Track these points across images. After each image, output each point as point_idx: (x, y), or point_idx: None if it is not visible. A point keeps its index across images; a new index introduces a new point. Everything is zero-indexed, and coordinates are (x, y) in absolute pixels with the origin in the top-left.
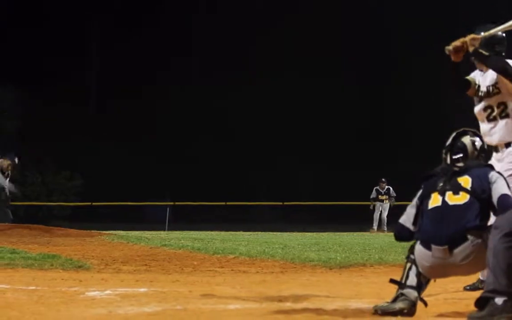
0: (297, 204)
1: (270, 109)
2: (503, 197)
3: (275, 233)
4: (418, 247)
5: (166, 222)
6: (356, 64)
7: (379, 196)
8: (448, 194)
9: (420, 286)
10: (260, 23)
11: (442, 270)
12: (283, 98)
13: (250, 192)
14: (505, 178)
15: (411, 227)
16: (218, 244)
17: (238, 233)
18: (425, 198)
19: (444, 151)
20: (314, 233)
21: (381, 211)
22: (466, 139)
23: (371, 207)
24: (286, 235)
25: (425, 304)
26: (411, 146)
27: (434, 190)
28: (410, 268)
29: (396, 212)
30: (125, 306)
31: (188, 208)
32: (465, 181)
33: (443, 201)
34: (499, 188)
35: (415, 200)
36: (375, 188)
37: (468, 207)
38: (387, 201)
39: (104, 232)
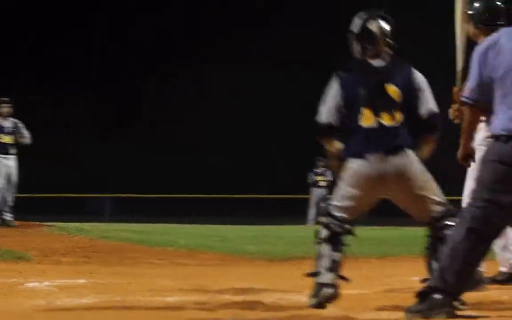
0: (238, 197)
1: (213, 101)
2: (434, 116)
3: (214, 225)
4: (351, 162)
5: (106, 214)
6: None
7: (315, 176)
8: (383, 115)
9: (335, 265)
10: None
11: (375, 186)
12: (224, 88)
13: (190, 184)
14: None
15: (333, 122)
16: (158, 236)
17: (178, 225)
18: (350, 105)
19: (351, 37)
20: (254, 226)
21: (315, 199)
22: (374, 25)
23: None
24: (225, 227)
25: (345, 279)
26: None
27: (364, 105)
28: (320, 255)
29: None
30: (64, 298)
31: (128, 200)
32: (394, 92)
33: (379, 123)
34: (427, 101)
35: (333, 98)
36: (311, 171)
37: (403, 125)
38: (323, 182)
39: (44, 223)
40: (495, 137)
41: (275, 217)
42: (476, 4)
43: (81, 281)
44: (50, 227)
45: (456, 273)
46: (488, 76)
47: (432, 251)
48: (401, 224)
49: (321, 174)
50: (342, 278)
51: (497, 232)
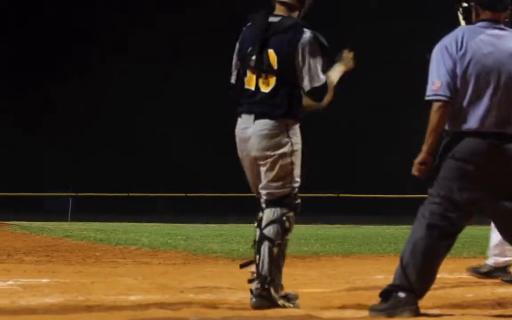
0: (200, 195)
1: (173, 98)
2: (317, 90)
3: (178, 224)
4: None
5: (68, 213)
6: None
7: None
8: (261, 80)
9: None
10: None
11: (243, 150)
12: (183, 85)
13: (153, 183)
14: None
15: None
16: (121, 235)
17: (140, 224)
18: (241, 67)
19: None
20: (217, 225)
21: None
22: None
23: None
24: (189, 226)
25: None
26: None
27: (249, 66)
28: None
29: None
30: (28, 297)
31: (90, 199)
32: (272, 58)
33: (257, 86)
34: (309, 75)
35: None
36: None
37: (275, 95)
38: None
39: (6, 222)
40: (450, 134)
41: (237, 215)
42: None
43: (45, 280)
44: (12, 226)
45: (418, 270)
46: (452, 71)
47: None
48: (363, 222)
49: None
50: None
51: (457, 228)
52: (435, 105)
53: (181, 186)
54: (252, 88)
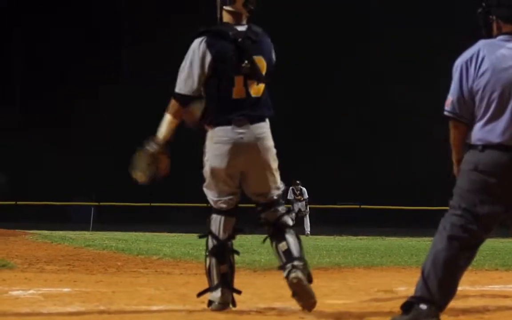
0: None
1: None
2: None
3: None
4: (218, 129)
5: (90, 222)
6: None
7: (295, 197)
8: (252, 86)
9: (226, 276)
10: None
11: (238, 156)
12: None
13: (175, 193)
14: None
15: (192, 92)
16: (142, 245)
17: (162, 234)
18: (222, 79)
19: None
20: (238, 235)
21: (302, 213)
22: None
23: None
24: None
25: (239, 292)
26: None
27: (235, 73)
28: (210, 267)
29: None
30: (49, 306)
31: (112, 208)
32: (262, 64)
33: (247, 93)
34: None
35: (199, 63)
36: (291, 187)
37: (265, 98)
38: (302, 198)
39: (28, 231)
40: (472, 147)
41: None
42: None
43: (66, 289)
44: (33, 235)
45: (439, 282)
46: (470, 88)
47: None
48: (385, 234)
49: (299, 195)
50: (235, 290)
51: (478, 240)
52: (450, 122)
53: (204, 196)
54: (243, 95)
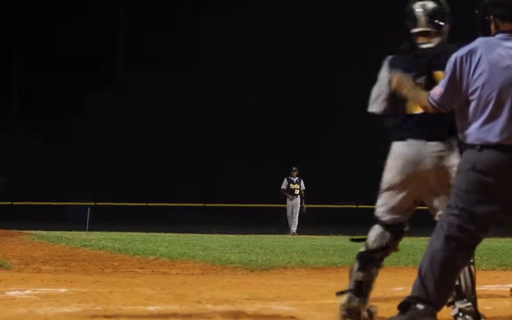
0: (218, 205)
1: (195, 110)
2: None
3: (196, 234)
4: (394, 145)
5: (86, 223)
6: (270, 64)
7: (291, 185)
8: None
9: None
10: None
11: (414, 172)
12: (202, 99)
13: (171, 192)
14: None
15: (381, 111)
16: (139, 245)
17: (158, 234)
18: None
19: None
20: (235, 235)
21: (302, 210)
22: (416, 4)
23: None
24: (207, 236)
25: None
26: (332, 146)
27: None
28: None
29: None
30: (45, 306)
31: (108, 208)
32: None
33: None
34: None
35: (383, 84)
36: (286, 177)
37: (443, 115)
38: (298, 191)
39: (24, 231)
40: (470, 146)
41: (250, 225)
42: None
43: (62, 290)
44: (30, 235)
45: (436, 281)
46: (463, 84)
47: None
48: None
49: (296, 183)
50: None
51: (475, 240)
52: (430, 106)
53: (199, 196)
54: (419, 111)
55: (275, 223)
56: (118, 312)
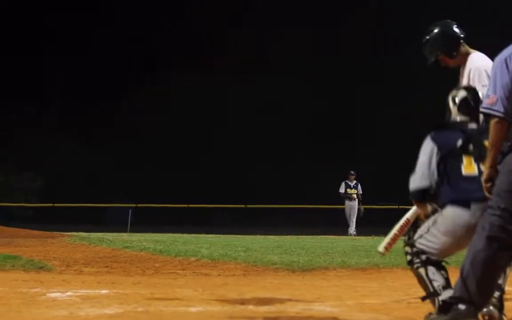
0: (260, 207)
1: (231, 111)
2: None
3: (237, 235)
4: (451, 210)
5: (128, 224)
6: (311, 64)
7: (348, 190)
8: (482, 164)
9: (448, 282)
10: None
11: (471, 235)
12: (238, 99)
13: (213, 194)
14: None
15: (426, 185)
16: (180, 246)
17: (200, 235)
18: (449, 159)
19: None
20: (277, 236)
21: (350, 210)
22: (449, 95)
23: (345, 201)
24: (248, 238)
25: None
26: (374, 148)
27: (465, 153)
28: (427, 272)
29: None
30: (86, 308)
31: (150, 210)
32: None
33: (479, 170)
34: None
35: (427, 157)
36: (344, 181)
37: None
38: (355, 196)
39: (65, 233)
40: (510, 148)
41: (295, 227)
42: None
43: (104, 291)
44: (71, 237)
45: (478, 282)
46: (508, 87)
47: None
48: None
49: (353, 188)
50: None
51: None
52: (492, 120)
53: (241, 197)
54: (475, 172)
55: (318, 224)
56: (160, 314)
